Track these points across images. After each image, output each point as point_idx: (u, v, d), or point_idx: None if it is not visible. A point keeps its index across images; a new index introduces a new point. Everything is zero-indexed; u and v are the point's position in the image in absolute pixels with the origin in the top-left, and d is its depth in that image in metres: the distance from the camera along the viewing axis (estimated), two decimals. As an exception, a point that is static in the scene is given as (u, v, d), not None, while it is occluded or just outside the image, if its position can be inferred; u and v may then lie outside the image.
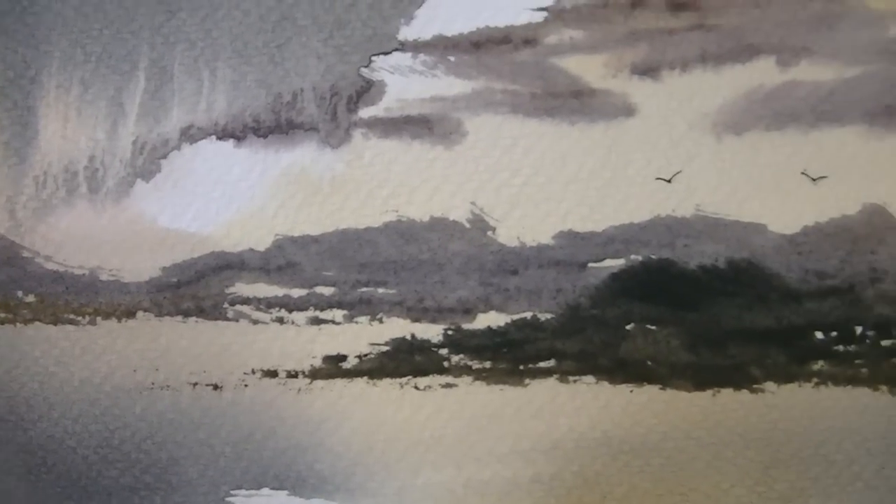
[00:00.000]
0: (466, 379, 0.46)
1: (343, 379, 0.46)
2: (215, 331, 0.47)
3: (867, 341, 0.46)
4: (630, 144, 0.46)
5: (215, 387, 0.47)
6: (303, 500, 0.47)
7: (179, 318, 0.47)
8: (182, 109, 0.47)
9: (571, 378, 0.46)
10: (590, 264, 0.46)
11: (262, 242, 0.47)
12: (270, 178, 0.46)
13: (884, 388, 0.46)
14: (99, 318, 0.47)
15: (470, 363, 0.46)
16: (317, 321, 0.46)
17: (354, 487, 0.47)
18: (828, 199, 0.45)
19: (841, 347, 0.46)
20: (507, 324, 0.46)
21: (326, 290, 0.47)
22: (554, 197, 0.46)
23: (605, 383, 0.46)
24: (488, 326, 0.46)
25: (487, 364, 0.46)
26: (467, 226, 0.46)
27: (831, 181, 0.45)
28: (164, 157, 0.47)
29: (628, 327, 0.46)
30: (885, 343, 0.46)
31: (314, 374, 0.47)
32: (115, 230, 0.46)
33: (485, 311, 0.46)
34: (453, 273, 0.46)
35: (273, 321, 0.46)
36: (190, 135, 0.47)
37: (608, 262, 0.46)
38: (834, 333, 0.46)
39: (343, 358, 0.47)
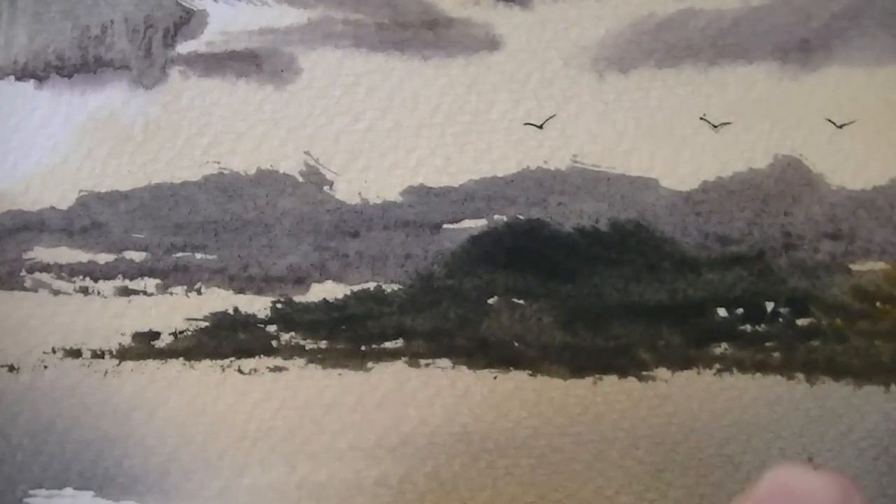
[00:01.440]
0: (299, 361, 0.35)
1: (156, 360, 0.35)
2: (11, 303, 0.36)
3: (780, 320, 0.34)
4: (494, 83, 0.34)
5: (11, 368, 0.36)
6: (111, 502, 0.36)
7: (-29, 288, 0.34)
8: (-22, 46, 0.35)
9: (423, 361, 0.35)
10: (445, 225, 0.35)
11: (64, 200, 0.35)
12: (76, 124, 0.35)
13: (800, 375, 0.34)
14: None
15: (303, 342, 0.35)
16: (126, 292, 0.35)
17: (169, 488, 0.35)
18: (732, 150, 0.34)
19: (748, 327, 0.34)
20: (346, 296, 0.35)
21: (137, 256, 0.35)
22: (403, 145, 0.34)
23: (464, 368, 0.34)
24: (324, 299, 0.35)
25: (323, 344, 0.35)
26: (300, 179, 0.35)
27: (736, 128, 0.34)
28: (-42, 101, 0.34)
29: (491, 301, 0.34)
30: (800, 322, 0.34)
31: (123, 354, 0.35)
32: None
33: (320, 281, 0.35)
34: (283, 235, 0.35)
35: (76, 291, 0.35)
36: (-14, 75, 0.34)
37: (467, 223, 0.35)
38: (740, 310, 0.34)
39: (156, 335, 0.35)
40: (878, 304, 0.34)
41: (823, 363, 0.34)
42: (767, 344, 0.34)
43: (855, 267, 0.34)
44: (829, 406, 0.34)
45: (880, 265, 0.34)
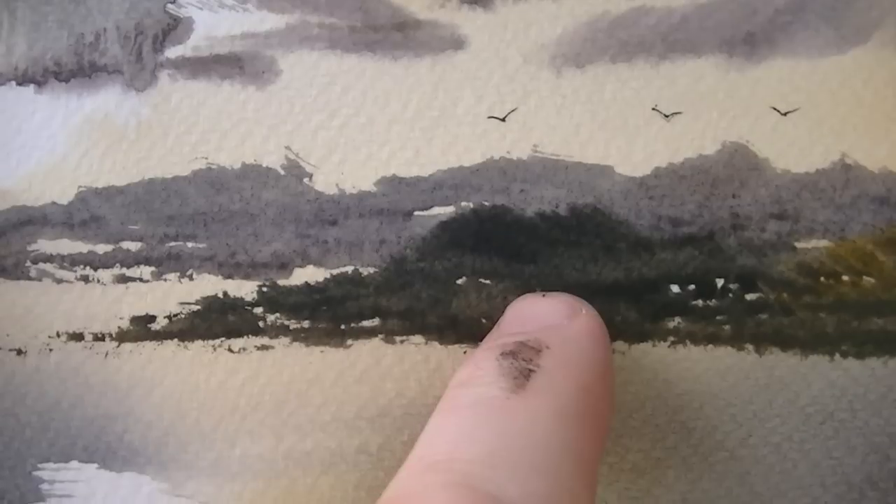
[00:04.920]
0: (284, 340, 0.35)
1: (152, 341, 0.35)
2: (17, 291, 0.36)
3: (729, 295, 0.34)
4: (459, 80, 0.34)
5: (19, 352, 0.36)
6: (114, 473, 0.36)
7: (-20, 278, 0.34)
8: (-19, 54, 0.34)
9: (398, 338, 0.35)
10: (416, 213, 0.35)
11: (64, 195, 0.35)
12: (73, 125, 0.35)
13: (749, 347, 0.34)
14: None
15: (287, 323, 0.35)
16: (123, 279, 0.35)
17: (167, 460, 0.36)
18: (682, 138, 0.34)
19: (700, 302, 0.34)
20: (326, 279, 0.35)
21: (133, 246, 0.35)
22: (376, 139, 0.34)
23: (436, 344, 0.35)
24: (306, 282, 0.35)
25: (306, 324, 0.35)
26: (282, 172, 0.35)
27: (686, 117, 0.34)
28: (-36, 106, 0.34)
29: (459, 282, 0.34)
30: (749, 297, 0.34)
31: (122, 337, 0.35)
32: (-86, 186, 0.34)
33: (302, 266, 0.35)
34: (267, 224, 0.35)
35: (78, 280, 0.35)
36: (-11, 81, 0.34)
37: (436, 210, 0.35)
38: (691, 287, 0.34)
39: (152, 318, 0.35)
40: (821, 279, 0.34)
41: (771, 335, 0.34)
42: (718, 318, 0.34)
43: (800, 245, 0.34)
44: (777, 375, 0.34)
45: (823, 243, 0.34)
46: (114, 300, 0.35)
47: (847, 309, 0.33)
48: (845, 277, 0.33)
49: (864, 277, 0.33)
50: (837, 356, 0.34)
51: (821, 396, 0.34)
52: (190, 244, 0.35)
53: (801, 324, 0.33)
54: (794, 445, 0.34)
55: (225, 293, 0.35)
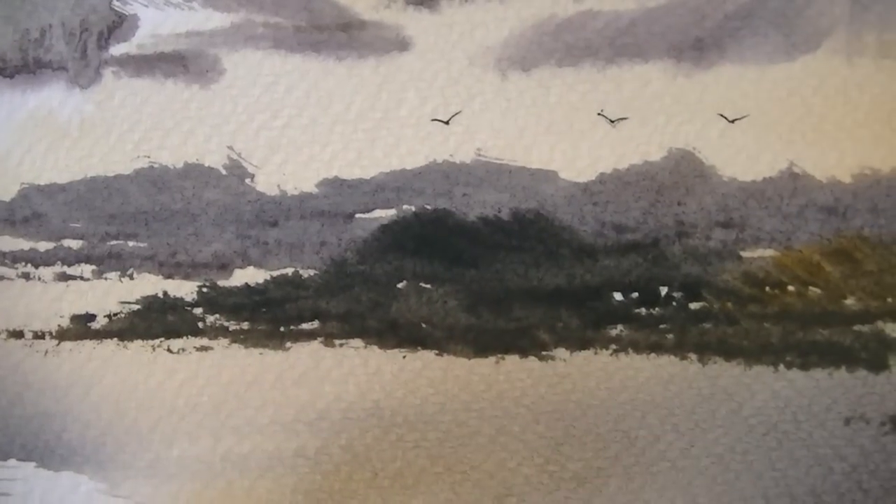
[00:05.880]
0: (223, 341, 0.34)
1: (92, 340, 0.35)
2: None
3: (673, 304, 0.33)
4: (403, 82, 0.33)
5: None
6: (52, 472, 0.36)
7: (-78, 274, 0.34)
8: (-72, 50, 0.34)
9: (337, 342, 0.34)
10: (357, 215, 0.34)
11: (7, 192, 0.35)
12: (16, 121, 0.35)
13: (692, 356, 0.33)
14: None
15: (226, 324, 0.34)
16: (64, 277, 0.35)
17: (105, 459, 0.35)
18: (628, 143, 0.33)
19: (643, 310, 0.33)
20: (266, 281, 0.34)
21: (74, 244, 0.35)
22: (318, 140, 0.34)
23: (375, 348, 0.34)
24: (246, 283, 0.34)
25: (245, 325, 0.34)
26: (224, 172, 0.34)
27: (632, 123, 0.33)
28: (-90, 101, 0.34)
29: (400, 285, 0.34)
30: (693, 306, 0.33)
31: (62, 335, 0.35)
32: None
33: (242, 267, 0.34)
34: (208, 225, 0.34)
35: (19, 277, 0.35)
36: (-65, 77, 0.34)
37: (378, 213, 0.34)
38: (635, 294, 0.34)
39: (92, 317, 0.35)
40: (767, 288, 0.33)
41: (715, 344, 0.33)
42: (661, 326, 0.33)
43: (745, 254, 0.33)
44: (720, 385, 0.34)
45: (769, 252, 0.33)
46: (54, 298, 0.34)
47: (792, 319, 0.33)
48: (791, 287, 0.32)
49: (810, 288, 0.32)
50: (782, 367, 0.33)
51: (764, 407, 0.33)
52: (131, 243, 0.34)
53: (746, 333, 0.33)
54: (736, 456, 0.33)
55: (165, 293, 0.34)
